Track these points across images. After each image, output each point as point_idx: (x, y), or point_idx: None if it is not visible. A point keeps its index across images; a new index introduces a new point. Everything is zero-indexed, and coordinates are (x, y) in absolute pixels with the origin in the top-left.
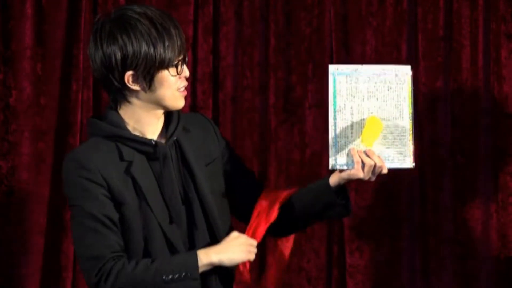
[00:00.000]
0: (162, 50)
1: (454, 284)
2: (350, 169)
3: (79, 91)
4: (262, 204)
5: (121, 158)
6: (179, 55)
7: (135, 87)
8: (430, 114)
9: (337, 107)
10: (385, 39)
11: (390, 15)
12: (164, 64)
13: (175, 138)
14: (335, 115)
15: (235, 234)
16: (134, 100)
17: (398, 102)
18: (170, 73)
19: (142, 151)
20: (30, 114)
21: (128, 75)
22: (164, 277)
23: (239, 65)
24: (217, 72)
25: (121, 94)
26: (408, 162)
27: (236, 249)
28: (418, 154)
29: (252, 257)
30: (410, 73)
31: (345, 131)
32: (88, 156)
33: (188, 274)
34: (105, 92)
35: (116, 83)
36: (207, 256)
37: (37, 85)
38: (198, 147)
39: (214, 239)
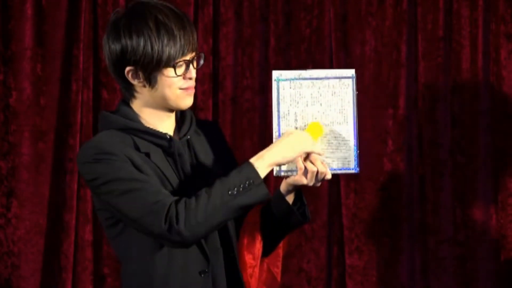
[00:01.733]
0: (160, 49)
1: (453, 284)
2: (294, 176)
3: (79, 91)
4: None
5: (138, 150)
6: (181, 55)
7: (136, 83)
8: (430, 114)
9: (281, 113)
10: (385, 39)
11: (389, 16)
12: (162, 64)
13: (188, 137)
14: (279, 122)
15: (288, 131)
16: (140, 96)
17: (342, 107)
18: (169, 74)
19: (157, 144)
20: (30, 114)
21: (128, 70)
22: (230, 193)
23: (239, 65)
24: (217, 72)
25: (129, 89)
26: (352, 167)
27: (288, 147)
28: (418, 154)
29: (307, 147)
30: (353, 77)
31: None
32: (109, 144)
33: (251, 181)
34: (105, 92)
35: (118, 77)
36: (262, 161)
37: (37, 85)
38: (208, 152)
39: (226, 238)
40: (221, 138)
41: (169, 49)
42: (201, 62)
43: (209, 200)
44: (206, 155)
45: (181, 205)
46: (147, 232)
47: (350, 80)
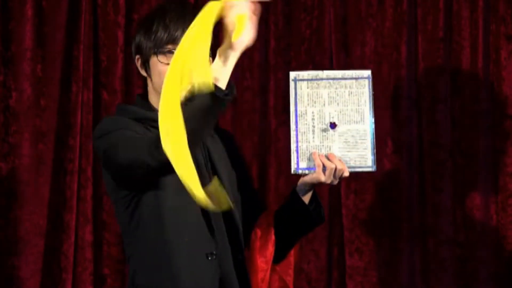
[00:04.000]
0: (151, 35)
1: (453, 285)
2: (312, 173)
3: (79, 92)
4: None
5: None
6: (172, 42)
7: (143, 73)
8: (430, 115)
9: (299, 113)
10: (385, 40)
11: (389, 17)
12: (152, 48)
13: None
14: (296, 121)
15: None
16: (149, 88)
17: (358, 106)
18: (159, 59)
19: None
20: (30, 115)
21: (136, 58)
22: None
23: (239, 66)
24: None
25: (145, 80)
26: (369, 165)
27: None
28: (418, 155)
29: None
30: (370, 77)
31: (306, 136)
32: (123, 121)
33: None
34: (105, 93)
35: (139, 69)
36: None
37: (37, 86)
38: (222, 155)
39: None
40: (236, 147)
41: (160, 34)
42: None
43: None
44: (219, 156)
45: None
46: (131, 168)
47: (366, 80)
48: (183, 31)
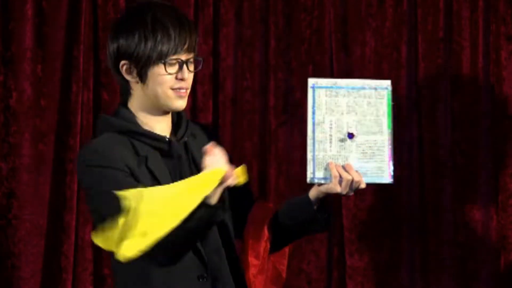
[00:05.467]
0: (152, 45)
1: (453, 285)
2: (328, 183)
3: (79, 92)
4: (254, 220)
5: (137, 153)
6: (174, 53)
7: (130, 78)
8: (430, 115)
9: (316, 121)
10: (385, 40)
11: (389, 17)
12: (153, 59)
13: (186, 139)
14: (314, 129)
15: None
16: (135, 94)
17: (377, 117)
18: (160, 71)
19: (156, 147)
20: (31, 115)
21: (122, 64)
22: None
23: (239, 66)
24: (217, 73)
25: (125, 86)
26: (386, 177)
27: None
28: (418, 155)
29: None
30: (390, 88)
31: (323, 145)
32: (108, 147)
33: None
34: (105, 94)
35: (116, 73)
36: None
37: (37, 86)
38: (203, 153)
39: (227, 238)
40: (217, 142)
41: (162, 45)
42: (199, 67)
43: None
44: (202, 158)
45: None
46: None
47: (386, 90)
48: (186, 42)
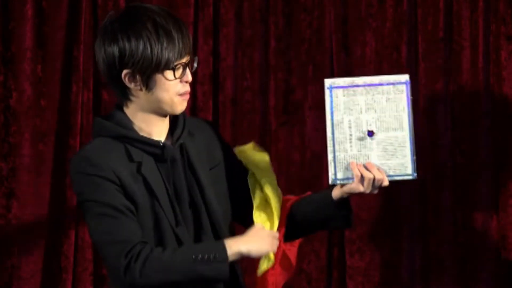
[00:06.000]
0: (159, 52)
1: (454, 285)
2: (351, 183)
3: (79, 92)
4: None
5: (130, 159)
6: (179, 58)
7: (132, 86)
8: (430, 115)
9: (335, 121)
10: (385, 40)
11: (390, 17)
12: (161, 66)
13: (181, 141)
14: (333, 130)
15: (259, 225)
16: (135, 100)
17: (397, 112)
18: (167, 76)
19: (150, 152)
20: (31, 115)
21: (125, 73)
22: (193, 256)
23: (239, 66)
24: (217, 73)
25: (124, 92)
26: (409, 173)
27: (262, 241)
28: (418, 156)
29: (275, 248)
30: (408, 82)
31: (343, 145)
32: (99, 155)
33: (217, 255)
34: (105, 94)
35: (116, 82)
36: (236, 244)
37: (38, 86)
38: (202, 151)
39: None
40: (216, 134)
41: (168, 52)
42: (195, 65)
43: (172, 255)
44: (199, 158)
45: (146, 249)
46: (104, 260)
47: (404, 85)
48: (187, 45)
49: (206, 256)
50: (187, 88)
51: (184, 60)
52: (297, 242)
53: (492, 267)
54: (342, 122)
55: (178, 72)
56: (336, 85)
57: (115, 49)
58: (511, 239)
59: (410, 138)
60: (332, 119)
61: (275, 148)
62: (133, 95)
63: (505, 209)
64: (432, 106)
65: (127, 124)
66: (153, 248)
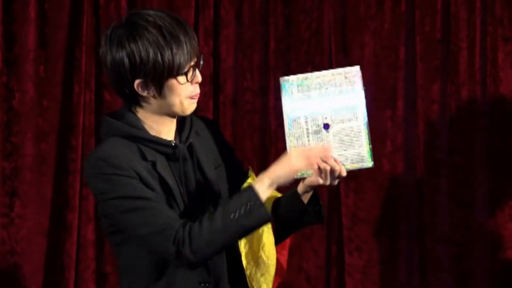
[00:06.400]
0: (170, 58)
1: (450, 283)
2: (310, 177)
3: (81, 93)
4: None
5: (144, 158)
6: (189, 61)
7: (145, 94)
8: (427, 115)
9: (292, 118)
10: (383, 42)
11: (388, 18)
12: (173, 72)
13: (191, 140)
14: (290, 126)
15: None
16: (146, 105)
17: (350, 104)
18: (180, 81)
19: (162, 152)
20: (33, 115)
21: (137, 83)
22: (232, 216)
23: (239, 67)
24: (218, 74)
25: (134, 99)
26: (367, 162)
27: (288, 162)
28: (415, 155)
29: (314, 167)
30: (359, 73)
31: (301, 140)
32: (116, 155)
33: (252, 203)
34: (107, 94)
35: (126, 90)
36: (261, 181)
37: (40, 87)
38: (208, 150)
39: None
40: (219, 134)
41: (179, 57)
42: (201, 62)
43: (211, 225)
44: (206, 157)
45: (186, 230)
46: (152, 250)
47: (356, 76)
48: (194, 47)
49: (243, 210)
50: (197, 90)
51: (193, 62)
52: (287, 245)
53: (487, 265)
54: (299, 118)
55: (189, 75)
56: (290, 82)
57: (124, 58)
58: (507, 237)
59: (365, 127)
60: (288, 116)
61: (275, 148)
62: (144, 101)
63: (501, 208)
64: (430, 107)
65: (138, 125)
66: (191, 225)
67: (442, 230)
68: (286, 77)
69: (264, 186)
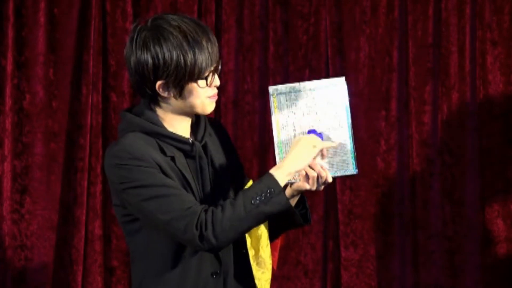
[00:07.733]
0: (192, 63)
1: (442, 276)
2: (298, 182)
3: (89, 95)
4: None
5: (163, 153)
6: (210, 66)
7: (166, 94)
8: (419, 116)
9: (280, 125)
10: (378, 46)
11: (382, 23)
12: (194, 76)
13: (206, 140)
14: (279, 133)
15: (297, 138)
16: (165, 105)
17: (336, 113)
18: (200, 84)
19: (180, 148)
20: (43, 116)
21: (159, 84)
22: (252, 202)
23: (240, 70)
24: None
25: (154, 99)
26: (351, 169)
27: (301, 152)
28: (408, 154)
29: (302, 173)
30: (345, 84)
31: (289, 147)
32: (138, 147)
33: (272, 190)
34: (114, 96)
35: (148, 90)
36: (281, 169)
37: (49, 89)
38: (219, 151)
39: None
40: (227, 137)
41: (201, 62)
42: (220, 67)
43: (233, 210)
44: (219, 155)
45: (209, 214)
46: (175, 235)
47: (342, 87)
48: (216, 52)
49: (263, 196)
50: (215, 90)
51: (213, 67)
52: (278, 247)
53: (478, 259)
54: (287, 125)
55: (209, 79)
56: (279, 91)
57: (148, 59)
58: (496, 232)
59: (350, 136)
60: (277, 123)
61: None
62: (164, 102)
63: (490, 204)
64: (422, 108)
65: (158, 122)
66: (213, 210)
67: (434, 225)
68: (275, 86)
69: (282, 173)
